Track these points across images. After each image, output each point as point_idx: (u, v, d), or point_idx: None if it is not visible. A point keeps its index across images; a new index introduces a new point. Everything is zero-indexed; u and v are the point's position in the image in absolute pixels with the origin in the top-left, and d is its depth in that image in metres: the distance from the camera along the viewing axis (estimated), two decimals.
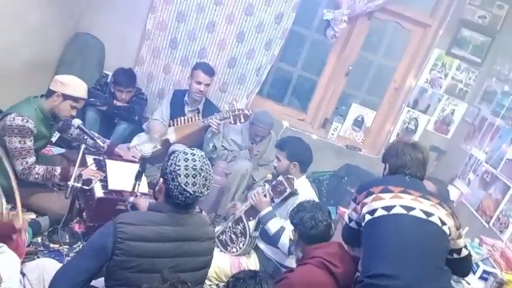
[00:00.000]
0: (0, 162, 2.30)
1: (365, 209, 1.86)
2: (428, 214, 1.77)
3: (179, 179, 1.62)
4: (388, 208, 1.80)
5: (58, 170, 2.51)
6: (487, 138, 3.33)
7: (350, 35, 3.84)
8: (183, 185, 1.62)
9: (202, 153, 1.72)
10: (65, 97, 2.48)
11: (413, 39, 3.90)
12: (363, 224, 1.88)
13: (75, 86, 2.52)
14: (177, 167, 1.63)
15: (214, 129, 3.27)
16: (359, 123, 4.00)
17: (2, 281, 1.44)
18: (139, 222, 1.63)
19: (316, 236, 2.08)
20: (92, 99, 3.40)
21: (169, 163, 1.67)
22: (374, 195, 1.86)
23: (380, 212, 1.80)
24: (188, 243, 1.71)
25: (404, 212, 1.78)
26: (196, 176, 1.64)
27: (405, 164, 1.95)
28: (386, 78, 4.06)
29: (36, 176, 2.44)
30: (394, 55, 4.05)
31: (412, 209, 1.78)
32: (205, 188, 1.68)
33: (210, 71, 3.41)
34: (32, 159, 2.44)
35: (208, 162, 1.72)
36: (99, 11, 3.73)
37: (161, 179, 1.73)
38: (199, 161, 1.66)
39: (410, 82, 3.87)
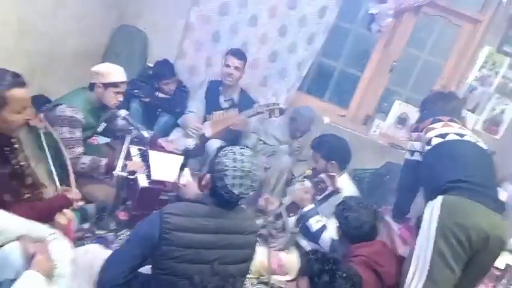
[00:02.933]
0: (57, 149, 2.36)
1: (432, 133, 2.11)
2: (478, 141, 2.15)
3: (226, 180, 1.62)
4: (460, 134, 2.10)
5: (104, 160, 2.56)
6: None
7: (395, 29, 3.73)
8: (229, 186, 1.62)
9: (251, 152, 1.71)
10: (106, 86, 2.53)
11: (462, 36, 3.74)
12: (428, 147, 2.09)
13: (111, 72, 2.57)
14: (225, 167, 1.63)
15: (242, 129, 3.25)
16: (402, 120, 3.88)
17: (55, 266, 1.48)
18: (184, 213, 1.64)
19: (361, 236, 2.04)
20: (135, 91, 3.47)
21: (217, 161, 1.67)
22: (443, 123, 2.15)
23: (453, 137, 2.07)
24: (232, 235, 1.72)
25: (469, 139, 2.10)
26: (243, 177, 1.63)
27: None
28: (433, 75, 3.92)
29: (83, 165, 2.50)
30: (441, 52, 3.90)
31: (467, 135, 2.12)
32: (251, 190, 1.68)
33: (238, 54, 3.39)
34: (79, 150, 2.50)
35: (257, 162, 1.71)
36: (143, 3, 3.78)
37: (207, 175, 1.73)
38: (248, 162, 1.65)
39: (458, 80, 3.72)
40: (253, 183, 1.67)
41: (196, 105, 3.55)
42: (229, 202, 1.70)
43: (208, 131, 3.37)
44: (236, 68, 3.37)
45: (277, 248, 2.63)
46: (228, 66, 3.36)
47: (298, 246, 2.69)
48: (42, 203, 1.93)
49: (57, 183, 2.13)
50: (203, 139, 3.34)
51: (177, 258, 1.60)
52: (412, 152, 2.23)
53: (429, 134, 2.12)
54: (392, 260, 2.00)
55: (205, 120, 3.45)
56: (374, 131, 3.87)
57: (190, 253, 1.62)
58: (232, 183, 1.61)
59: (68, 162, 2.24)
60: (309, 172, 3.61)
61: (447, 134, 2.08)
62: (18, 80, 1.72)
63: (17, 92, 1.69)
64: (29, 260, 1.46)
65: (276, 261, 2.53)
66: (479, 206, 1.81)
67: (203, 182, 1.75)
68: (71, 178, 2.16)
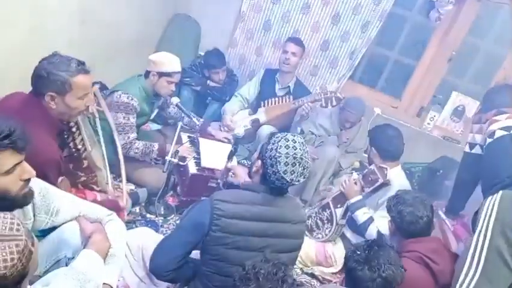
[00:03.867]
0: (111, 135, 2.47)
1: (496, 125, 2.03)
2: None
3: (278, 166, 1.62)
4: None
5: (156, 146, 2.65)
6: None
7: (456, 17, 3.53)
8: (281, 173, 1.62)
9: (302, 140, 1.70)
10: (160, 75, 2.61)
11: None
12: (490, 140, 2.02)
13: (166, 62, 2.63)
14: (278, 154, 1.62)
15: (304, 113, 3.23)
16: (459, 113, 3.69)
17: (110, 246, 1.55)
18: (234, 200, 1.66)
19: (416, 232, 1.98)
20: (187, 79, 3.54)
21: (270, 147, 1.67)
22: (507, 114, 2.06)
23: None
24: (281, 224, 1.72)
25: None
26: (296, 164, 1.62)
27: None
28: (494, 67, 3.68)
29: (136, 150, 2.60)
30: (505, 42, 3.65)
31: None
32: (302, 177, 1.66)
33: (297, 41, 3.40)
34: (133, 135, 2.60)
35: (308, 150, 1.69)
36: None
37: (259, 161, 1.73)
38: (300, 149, 1.64)
39: None
40: (305, 170, 1.66)
41: (247, 89, 3.59)
42: (279, 189, 1.70)
43: (262, 117, 3.39)
44: (293, 53, 3.36)
45: (324, 239, 2.62)
46: (285, 52, 3.37)
47: (344, 238, 2.66)
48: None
49: (108, 172, 2.22)
50: (255, 125, 3.36)
51: (227, 245, 1.63)
52: (472, 145, 2.14)
53: (493, 127, 2.01)
54: (448, 259, 1.93)
55: (258, 106, 3.47)
56: (428, 124, 3.72)
57: (240, 240, 1.64)
58: (285, 169, 1.61)
59: (121, 156, 2.33)
60: (357, 164, 3.55)
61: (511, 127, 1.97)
62: (83, 68, 1.80)
63: (81, 79, 1.77)
64: (86, 239, 1.54)
65: (322, 253, 2.53)
66: None
67: (254, 169, 1.76)
68: (123, 178, 2.24)
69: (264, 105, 3.43)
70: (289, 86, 3.48)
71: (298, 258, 2.47)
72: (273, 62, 3.78)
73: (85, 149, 1.99)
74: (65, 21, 2.62)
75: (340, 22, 3.61)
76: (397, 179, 2.60)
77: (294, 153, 1.62)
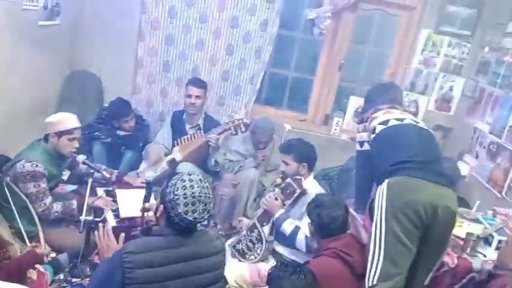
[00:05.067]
0: (25, 209, 2.39)
1: (375, 122, 2.20)
2: (418, 122, 2.24)
3: (179, 208, 1.64)
4: (400, 119, 2.18)
5: (74, 203, 2.63)
6: (488, 109, 3.32)
7: (337, 29, 3.87)
8: (183, 214, 1.64)
9: (200, 176, 1.72)
10: (59, 134, 2.58)
11: (400, 24, 3.91)
12: (373, 136, 2.19)
13: (62, 120, 2.61)
14: (176, 197, 1.65)
15: (212, 145, 3.31)
16: (359, 114, 4.00)
17: None
18: (142, 249, 1.65)
19: (333, 230, 2.13)
20: (96, 133, 3.51)
21: (168, 191, 1.69)
22: (384, 111, 2.25)
23: (393, 122, 2.16)
24: (196, 261, 1.73)
25: (409, 122, 2.18)
26: (196, 203, 1.65)
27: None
28: (380, 66, 4.07)
29: (56, 214, 2.57)
30: (385, 42, 4.06)
31: (407, 119, 2.21)
32: (206, 213, 1.69)
33: (197, 83, 3.47)
34: (49, 200, 2.55)
35: (207, 185, 1.72)
36: (90, 46, 3.85)
37: (161, 205, 1.75)
38: (197, 186, 1.67)
39: (404, 65, 3.88)
40: (207, 205, 1.69)
41: (162, 136, 3.62)
42: (186, 229, 1.72)
43: (177, 155, 3.42)
44: (197, 96, 3.43)
45: (257, 259, 2.67)
46: (189, 96, 3.44)
47: (276, 254, 2.74)
48: (11, 262, 1.95)
49: (27, 240, 2.15)
50: (173, 165, 3.39)
51: None
52: (361, 143, 2.33)
53: (373, 123, 2.22)
54: (360, 250, 2.08)
55: (173, 146, 3.51)
56: (335, 129, 3.98)
57: (158, 287, 1.64)
58: (186, 210, 1.64)
59: (36, 219, 2.27)
60: (279, 181, 3.66)
61: (388, 121, 2.18)
62: None
63: None
64: None
65: (255, 273, 2.57)
66: (422, 182, 1.91)
67: (158, 213, 1.78)
68: (40, 234, 2.18)
69: (177, 144, 3.47)
70: (198, 124, 3.57)
71: (234, 284, 2.50)
72: (180, 100, 3.86)
73: None
74: None
75: (234, 52, 3.80)
76: (312, 186, 2.75)
77: (192, 193, 1.65)
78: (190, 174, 1.72)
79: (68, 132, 2.58)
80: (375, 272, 1.89)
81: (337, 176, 3.74)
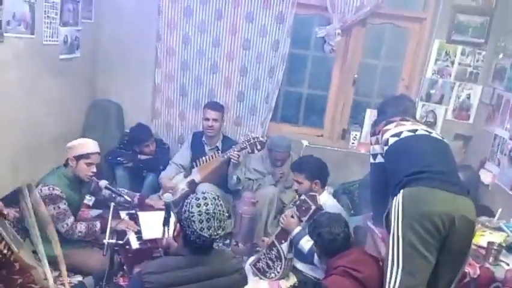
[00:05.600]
0: (45, 232, 2.48)
1: (387, 134, 2.22)
2: (431, 132, 2.24)
3: (194, 225, 1.71)
4: (412, 130, 2.19)
5: (98, 224, 2.74)
6: (506, 116, 3.27)
7: (348, 45, 3.92)
8: (199, 231, 1.71)
9: (214, 194, 1.80)
10: (77, 158, 2.69)
11: (412, 36, 3.93)
12: (386, 148, 2.20)
13: (80, 145, 2.73)
14: (191, 214, 1.72)
15: (234, 161, 3.38)
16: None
17: None
18: (161, 270, 1.72)
19: (337, 248, 2.14)
20: (118, 159, 3.63)
21: (183, 210, 1.76)
22: (395, 123, 2.26)
23: (406, 134, 2.18)
24: (214, 280, 1.78)
25: (422, 133, 2.19)
26: (210, 220, 1.71)
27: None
28: (394, 79, 4.09)
29: (80, 234, 2.67)
30: (397, 55, 4.08)
31: (419, 130, 2.22)
32: (221, 230, 1.75)
33: (214, 106, 3.58)
34: (71, 220, 2.66)
35: (221, 203, 1.79)
36: (110, 76, 4.01)
37: (178, 225, 1.83)
38: (212, 204, 1.74)
39: (418, 77, 3.88)
40: (222, 222, 1.75)
41: (180, 156, 3.71)
42: (203, 247, 1.77)
43: (197, 177, 3.50)
44: (214, 120, 3.54)
45: (277, 277, 2.68)
46: (207, 119, 3.55)
47: (296, 270, 2.75)
48: None
49: (47, 267, 2.22)
50: (193, 186, 3.45)
51: None
52: (375, 156, 2.34)
53: (386, 136, 2.24)
54: (372, 265, 2.07)
55: (192, 167, 3.59)
56: (353, 143, 3.99)
57: None
58: (201, 227, 1.70)
59: (59, 252, 2.33)
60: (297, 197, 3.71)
61: (401, 133, 2.20)
62: None
63: None
64: None
65: None
66: (439, 192, 1.90)
67: (175, 233, 1.85)
68: (63, 273, 2.25)
69: (196, 166, 3.55)
70: (217, 146, 3.65)
71: None
72: (198, 123, 3.96)
73: (12, 252, 2.00)
74: None
75: (248, 73, 3.89)
76: (327, 201, 2.77)
77: (207, 209, 1.72)
78: (204, 193, 1.79)
79: (86, 156, 2.69)
80: (394, 284, 1.88)
81: (357, 190, 3.72)
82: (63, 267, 2.29)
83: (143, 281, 1.67)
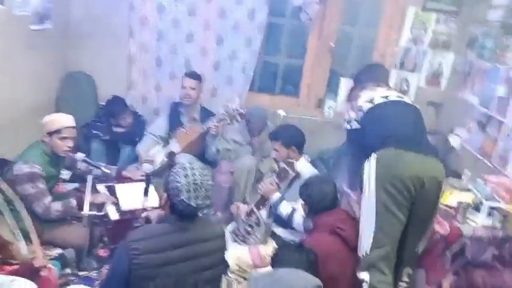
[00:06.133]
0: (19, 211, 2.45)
1: (361, 101, 2.29)
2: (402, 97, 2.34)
3: (181, 195, 1.74)
4: (384, 97, 2.27)
5: (74, 201, 2.67)
6: (477, 82, 3.36)
7: (324, 13, 3.90)
8: (186, 200, 1.74)
9: (200, 164, 1.85)
10: (51, 134, 2.64)
11: (387, 3, 3.93)
12: (360, 114, 2.27)
13: (52, 120, 2.67)
14: (178, 184, 1.74)
15: (213, 132, 3.38)
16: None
17: None
18: (147, 236, 1.76)
19: (325, 206, 2.24)
20: (94, 132, 3.59)
21: (170, 179, 1.79)
22: (369, 89, 2.33)
23: (379, 100, 2.25)
24: (198, 245, 1.83)
25: (394, 98, 2.27)
26: (198, 189, 1.75)
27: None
28: (370, 47, 4.10)
29: (57, 213, 2.61)
30: (373, 23, 4.08)
31: (391, 96, 2.29)
32: (207, 199, 1.79)
33: (192, 75, 3.57)
34: (48, 199, 2.60)
35: (207, 173, 1.83)
36: (83, 47, 3.90)
37: (165, 194, 1.86)
38: (199, 174, 1.77)
39: (392, 45, 3.92)
40: (208, 192, 1.79)
41: (157, 127, 3.69)
42: (189, 215, 1.82)
43: (175, 147, 3.50)
44: (192, 88, 3.52)
45: (256, 243, 2.75)
46: (184, 87, 3.52)
47: (275, 236, 2.82)
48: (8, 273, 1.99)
49: (23, 244, 2.19)
50: (172, 157, 3.46)
51: (152, 279, 1.71)
52: (350, 122, 2.40)
53: (360, 102, 2.29)
54: (353, 225, 2.17)
55: (169, 138, 3.58)
56: (328, 112, 4.03)
57: (163, 271, 1.73)
58: (188, 196, 1.73)
59: (31, 228, 2.27)
60: (275, 166, 3.77)
61: (373, 99, 2.26)
62: None
63: None
64: None
65: (256, 256, 2.65)
66: (409, 154, 1.98)
67: (163, 201, 1.88)
68: (35, 243, 2.22)
69: (175, 137, 3.54)
70: (194, 117, 3.64)
71: (236, 267, 2.59)
72: (174, 95, 3.91)
73: None
74: None
75: (224, 42, 3.84)
76: (305, 168, 2.83)
77: (194, 180, 1.75)
78: (190, 163, 1.81)
79: (58, 131, 2.63)
80: (367, 242, 1.97)
81: (333, 158, 3.80)
82: (34, 237, 2.26)
83: (130, 248, 1.69)
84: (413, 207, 1.99)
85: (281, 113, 3.95)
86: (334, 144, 3.91)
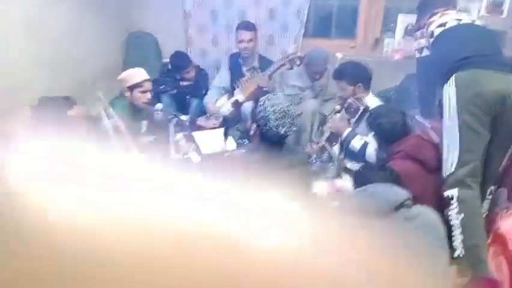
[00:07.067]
0: None
1: (433, 26, 2.29)
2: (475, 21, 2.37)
3: (270, 123, 1.87)
4: (457, 20, 2.26)
5: None
6: None
7: None
8: (274, 128, 1.88)
9: (283, 94, 1.96)
10: (131, 88, 2.81)
11: None
12: (432, 40, 2.28)
13: (130, 75, 2.85)
14: (267, 113, 1.88)
15: (265, 89, 3.45)
16: (410, 31, 3.98)
17: None
18: None
19: (396, 135, 2.29)
20: (162, 87, 3.77)
21: (258, 110, 1.93)
22: (440, 13, 2.31)
23: (452, 23, 2.25)
24: (285, 171, 1.97)
25: (467, 21, 2.28)
26: (285, 117, 1.88)
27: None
28: None
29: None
30: None
31: (464, 19, 2.29)
32: (294, 126, 1.93)
33: (246, 26, 3.60)
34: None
35: (291, 103, 1.96)
36: (142, 7, 4.04)
37: (254, 125, 2.00)
38: (284, 103, 1.91)
39: None
40: (294, 120, 1.93)
41: (220, 79, 3.83)
42: (277, 143, 1.96)
43: (240, 96, 3.64)
44: (249, 40, 3.59)
45: (330, 178, 2.89)
46: (241, 41, 3.59)
47: (349, 171, 2.94)
48: None
49: None
50: (237, 105, 3.61)
51: None
52: (420, 50, 2.41)
53: (431, 28, 2.29)
54: (431, 147, 2.24)
55: (232, 88, 3.72)
56: (386, 51, 4.01)
57: None
58: (277, 124, 1.87)
59: None
60: (338, 108, 3.82)
61: (446, 23, 2.26)
62: (70, 102, 2.03)
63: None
64: None
65: (332, 189, 2.79)
66: (490, 72, 2.00)
67: (251, 132, 2.03)
68: None
69: (238, 86, 3.67)
70: (253, 66, 3.73)
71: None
72: (231, 46, 4.01)
73: None
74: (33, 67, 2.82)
75: None
76: (374, 102, 2.89)
77: (281, 108, 1.88)
78: (275, 94, 1.94)
79: (138, 85, 2.81)
80: (452, 160, 2.04)
81: (394, 96, 3.81)
82: None
83: None
84: (496, 126, 2.03)
85: (338, 55, 3.97)
86: (394, 83, 3.93)
